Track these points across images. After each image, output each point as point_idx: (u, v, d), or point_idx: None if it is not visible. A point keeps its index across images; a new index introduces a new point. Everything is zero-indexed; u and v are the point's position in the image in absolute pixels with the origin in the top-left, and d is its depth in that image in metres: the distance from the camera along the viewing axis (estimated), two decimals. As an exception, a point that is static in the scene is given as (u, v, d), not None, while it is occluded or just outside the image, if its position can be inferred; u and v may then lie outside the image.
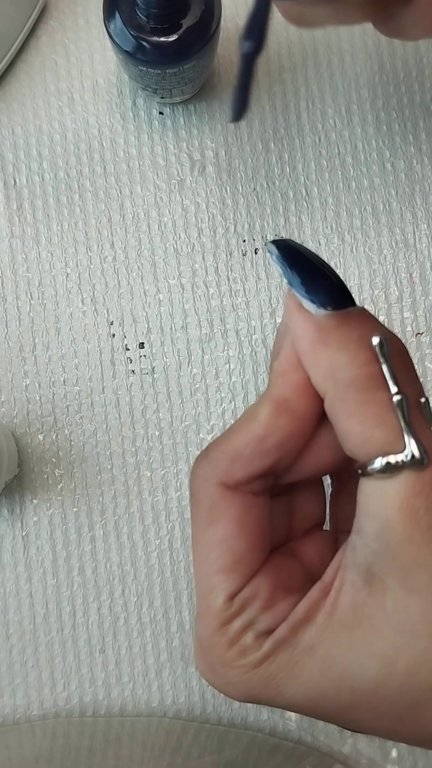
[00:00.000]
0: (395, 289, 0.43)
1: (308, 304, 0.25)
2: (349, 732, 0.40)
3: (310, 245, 0.43)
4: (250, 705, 0.41)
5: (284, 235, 0.43)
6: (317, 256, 0.26)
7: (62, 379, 0.43)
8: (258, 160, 0.44)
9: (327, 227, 0.43)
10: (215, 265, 0.43)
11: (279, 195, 0.43)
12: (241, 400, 0.42)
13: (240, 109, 0.26)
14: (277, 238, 0.27)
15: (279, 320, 0.43)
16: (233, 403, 0.42)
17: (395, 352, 0.24)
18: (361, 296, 0.43)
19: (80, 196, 0.44)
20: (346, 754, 0.40)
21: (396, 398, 0.24)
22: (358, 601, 0.23)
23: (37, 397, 0.43)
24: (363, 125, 0.44)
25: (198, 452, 0.42)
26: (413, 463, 0.23)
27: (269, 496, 0.27)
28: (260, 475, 0.26)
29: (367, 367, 0.24)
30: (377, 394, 0.24)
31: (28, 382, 0.43)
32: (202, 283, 0.43)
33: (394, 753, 0.40)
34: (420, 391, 0.25)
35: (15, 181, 0.44)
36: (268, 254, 0.27)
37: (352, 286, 0.43)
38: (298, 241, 0.43)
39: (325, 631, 0.24)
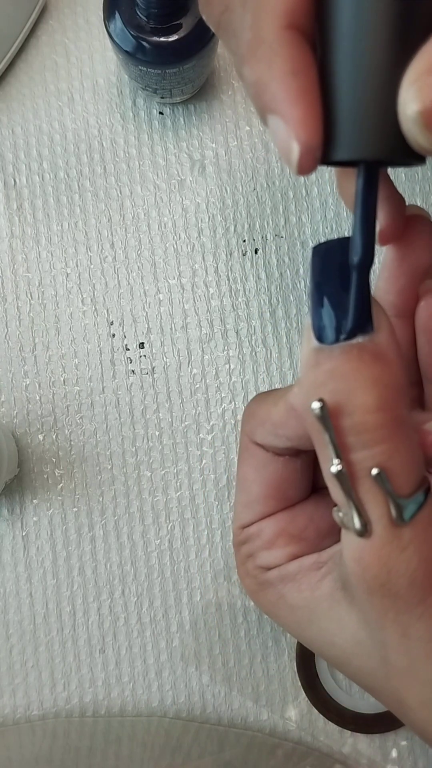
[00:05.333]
0: (395, 289, 0.43)
1: (312, 328, 0.23)
2: (349, 732, 0.40)
3: (310, 245, 0.43)
4: (249, 705, 0.41)
5: (284, 235, 0.43)
6: (356, 276, 0.23)
7: (62, 379, 0.43)
8: (258, 160, 0.44)
9: (327, 227, 0.43)
10: (215, 265, 0.43)
11: (279, 195, 0.43)
12: (241, 400, 0.42)
13: (361, 321, 0.22)
14: (323, 241, 0.25)
15: (279, 320, 0.43)
16: (233, 403, 0.42)
17: (348, 413, 0.22)
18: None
19: (80, 196, 0.44)
20: (346, 754, 0.40)
21: (334, 470, 0.22)
22: (336, 597, 0.26)
23: (37, 397, 0.43)
24: (363, 125, 0.44)
25: (198, 452, 0.42)
26: (355, 531, 0.23)
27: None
28: (278, 447, 0.27)
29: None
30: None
31: (28, 382, 0.43)
32: (202, 283, 0.43)
33: (394, 753, 0.40)
34: (381, 457, 0.22)
35: (15, 181, 0.44)
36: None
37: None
38: (298, 241, 0.43)
39: (306, 602, 0.27)
